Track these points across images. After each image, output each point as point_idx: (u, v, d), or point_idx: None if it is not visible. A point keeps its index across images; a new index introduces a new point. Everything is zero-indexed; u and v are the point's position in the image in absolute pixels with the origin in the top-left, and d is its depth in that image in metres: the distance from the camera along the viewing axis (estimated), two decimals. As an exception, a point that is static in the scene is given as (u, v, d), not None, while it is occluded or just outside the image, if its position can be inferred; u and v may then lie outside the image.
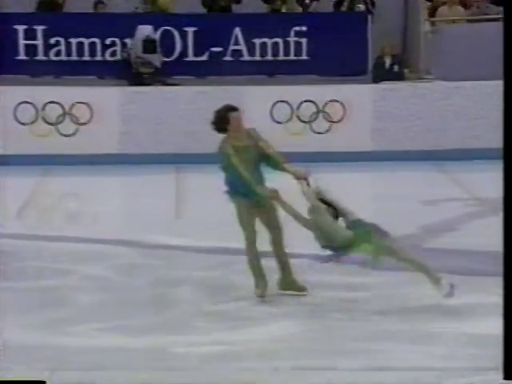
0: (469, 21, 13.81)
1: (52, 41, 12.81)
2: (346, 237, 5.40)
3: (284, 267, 5.81)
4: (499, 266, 6.78)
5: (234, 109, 5.76)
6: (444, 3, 13.82)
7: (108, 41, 12.97)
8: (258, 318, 5.52)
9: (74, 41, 12.89)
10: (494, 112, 12.63)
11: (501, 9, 13.89)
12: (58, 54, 12.92)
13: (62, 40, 12.85)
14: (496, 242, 7.49)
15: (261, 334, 5.22)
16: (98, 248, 7.54)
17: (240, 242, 7.60)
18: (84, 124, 12.46)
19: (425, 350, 4.87)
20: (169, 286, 6.34)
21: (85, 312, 5.67)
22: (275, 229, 5.78)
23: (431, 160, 12.26)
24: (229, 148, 5.67)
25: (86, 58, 12.96)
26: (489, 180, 11.01)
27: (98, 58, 13.02)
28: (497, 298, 5.88)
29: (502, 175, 3.55)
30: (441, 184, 11.00)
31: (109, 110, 12.43)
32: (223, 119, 5.71)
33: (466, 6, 13.92)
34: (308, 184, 5.60)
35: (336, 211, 5.52)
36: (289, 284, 5.83)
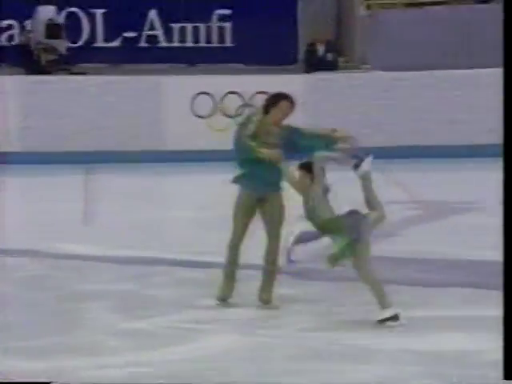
0: (408, 5, 14.05)
1: None
2: (329, 219, 5.74)
3: (268, 279, 6.13)
4: (442, 275, 6.93)
5: (289, 100, 6.04)
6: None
7: (4, 23, 12.81)
8: (179, 335, 5.54)
9: (-36, 23, 12.71)
10: (438, 105, 12.88)
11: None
12: None
13: (-51, 22, 12.66)
14: (439, 250, 7.67)
15: (181, 353, 5.24)
16: (-5, 259, 7.46)
17: (157, 251, 7.61)
18: (-23, 118, 12.28)
19: (368, 369, 4.94)
20: (78, 301, 6.31)
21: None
22: (273, 237, 6.07)
23: (368, 158, 12.38)
24: (251, 128, 5.90)
25: (-21, 42, 12.79)
26: (431, 180, 11.25)
27: (-6, 43, 12.85)
28: (441, 311, 6.02)
29: (498, 175, 3.62)
30: (377, 185, 11.10)
31: (6, 102, 12.27)
32: (273, 102, 5.99)
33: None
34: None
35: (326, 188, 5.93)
36: (265, 298, 6.15)
